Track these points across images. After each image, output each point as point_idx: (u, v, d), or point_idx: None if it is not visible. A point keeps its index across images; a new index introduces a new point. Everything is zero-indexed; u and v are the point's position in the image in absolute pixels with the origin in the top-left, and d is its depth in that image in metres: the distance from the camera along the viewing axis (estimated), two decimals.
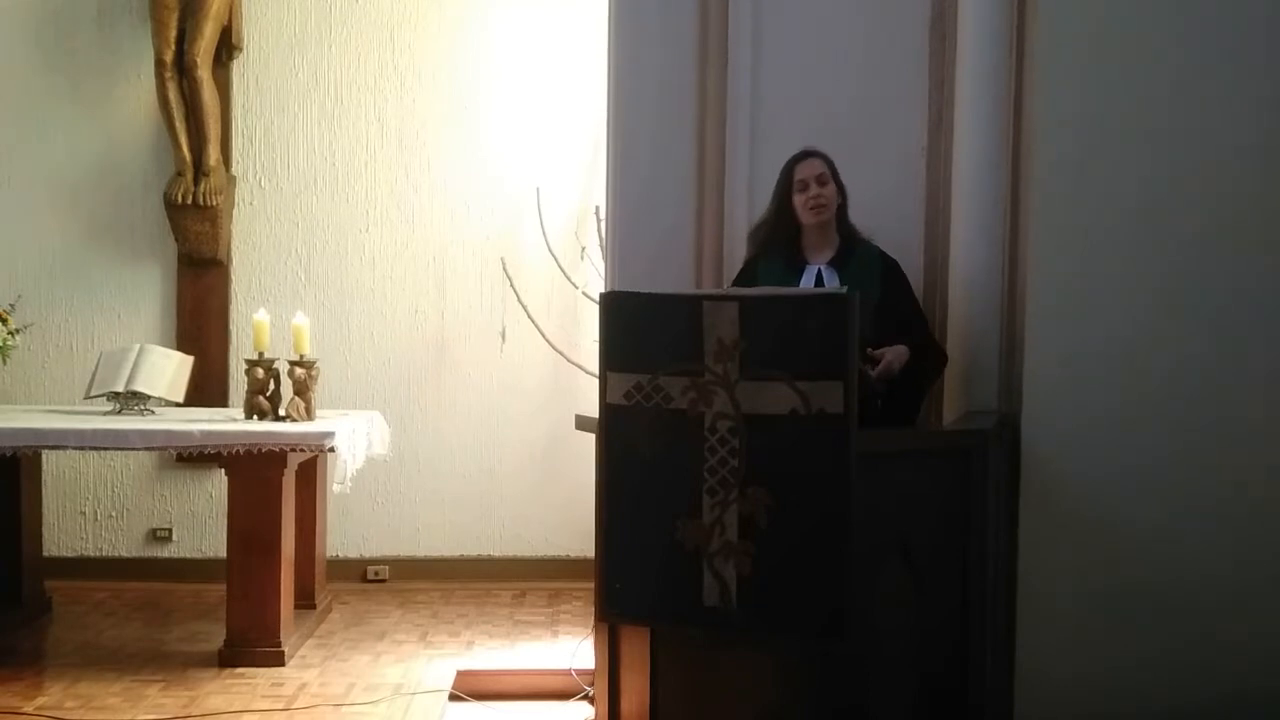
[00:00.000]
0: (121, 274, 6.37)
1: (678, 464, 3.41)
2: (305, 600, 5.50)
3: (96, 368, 5.51)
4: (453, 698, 4.70)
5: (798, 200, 3.96)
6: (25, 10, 6.32)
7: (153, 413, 5.36)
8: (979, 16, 4.12)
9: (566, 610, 5.87)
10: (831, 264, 3.98)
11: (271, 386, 5.30)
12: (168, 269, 6.37)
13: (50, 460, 5.92)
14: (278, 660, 4.91)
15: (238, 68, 6.36)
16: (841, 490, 3.29)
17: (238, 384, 5.96)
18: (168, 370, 5.45)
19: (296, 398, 5.22)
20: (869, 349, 3.68)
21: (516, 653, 5.20)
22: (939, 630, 3.69)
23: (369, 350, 6.44)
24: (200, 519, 6.38)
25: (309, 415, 5.21)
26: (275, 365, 5.30)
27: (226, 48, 6.27)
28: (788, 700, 3.57)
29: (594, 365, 3.84)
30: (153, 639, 5.32)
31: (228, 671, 4.84)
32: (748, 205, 4.39)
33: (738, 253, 4.42)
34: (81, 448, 5.13)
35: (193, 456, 5.11)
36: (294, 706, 4.46)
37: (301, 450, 5.02)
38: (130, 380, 5.32)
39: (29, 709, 4.38)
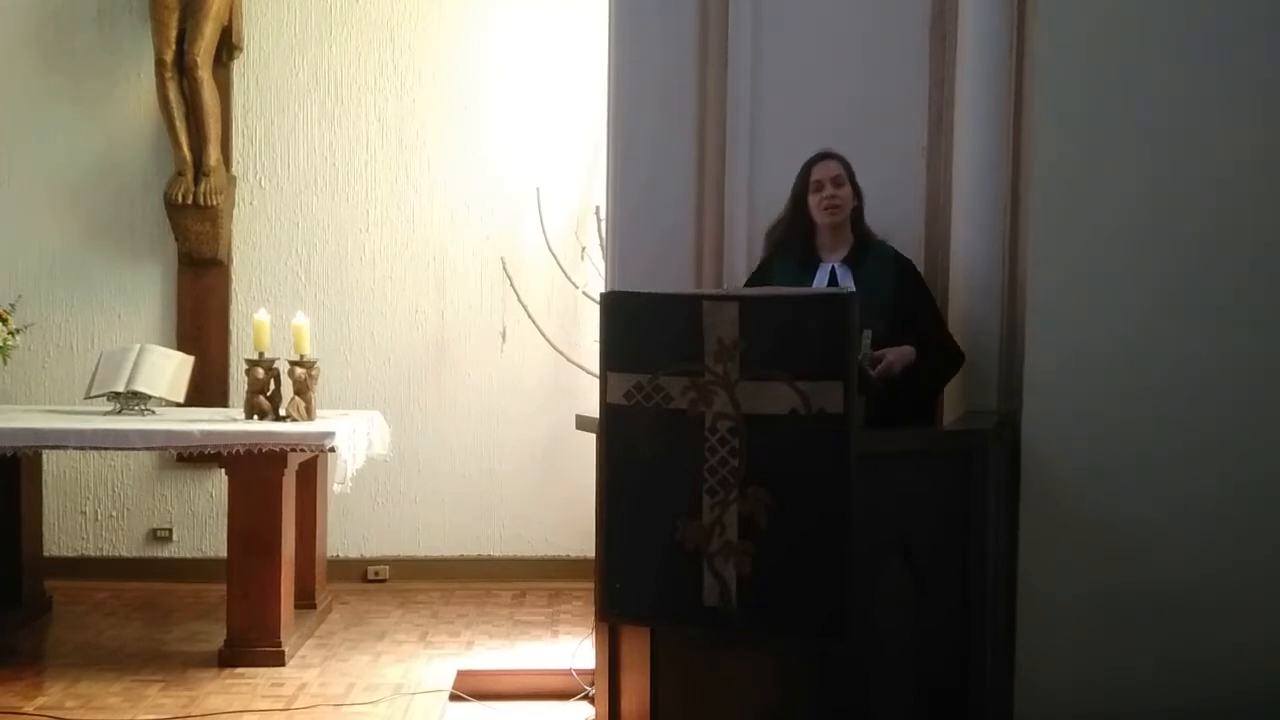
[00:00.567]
0: (121, 274, 6.37)
1: (678, 464, 3.41)
2: (305, 600, 5.50)
3: (96, 368, 5.51)
4: (453, 698, 4.70)
5: (813, 200, 3.97)
6: (25, 10, 6.31)
7: (153, 413, 5.36)
8: (979, 16, 4.12)
9: (566, 610, 5.87)
10: (845, 262, 4.00)
11: (272, 386, 5.30)
12: (168, 269, 6.37)
13: (50, 460, 5.91)
14: (278, 660, 4.91)
15: (238, 68, 6.36)
16: (841, 490, 3.29)
17: (238, 384, 5.96)
18: (168, 370, 5.45)
19: (297, 398, 5.22)
20: (871, 349, 3.69)
21: (516, 653, 5.20)
22: (939, 630, 3.69)
23: (369, 350, 6.44)
24: (200, 519, 6.38)
25: (309, 415, 5.21)
26: (275, 365, 5.30)
27: (227, 48, 6.27)
28: (788, 700, 3.57)
29: (594, 365, 3.84)
30: (153, 639, 5.32)
31: (228, 671, 4.84)
32: (748, 205, 4.39)
33: (738, 253, 4.43)
34: (82, 448, 5.13)
35: (193, 456, 5.11)
36: (294, 706, 4.46)
37: (302, 450, 5.02)
38: (130, 380, 5.32)
39: (29, 709, 4.38)
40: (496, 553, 6.47)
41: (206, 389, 6.09)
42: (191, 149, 6.16)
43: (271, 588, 4.94)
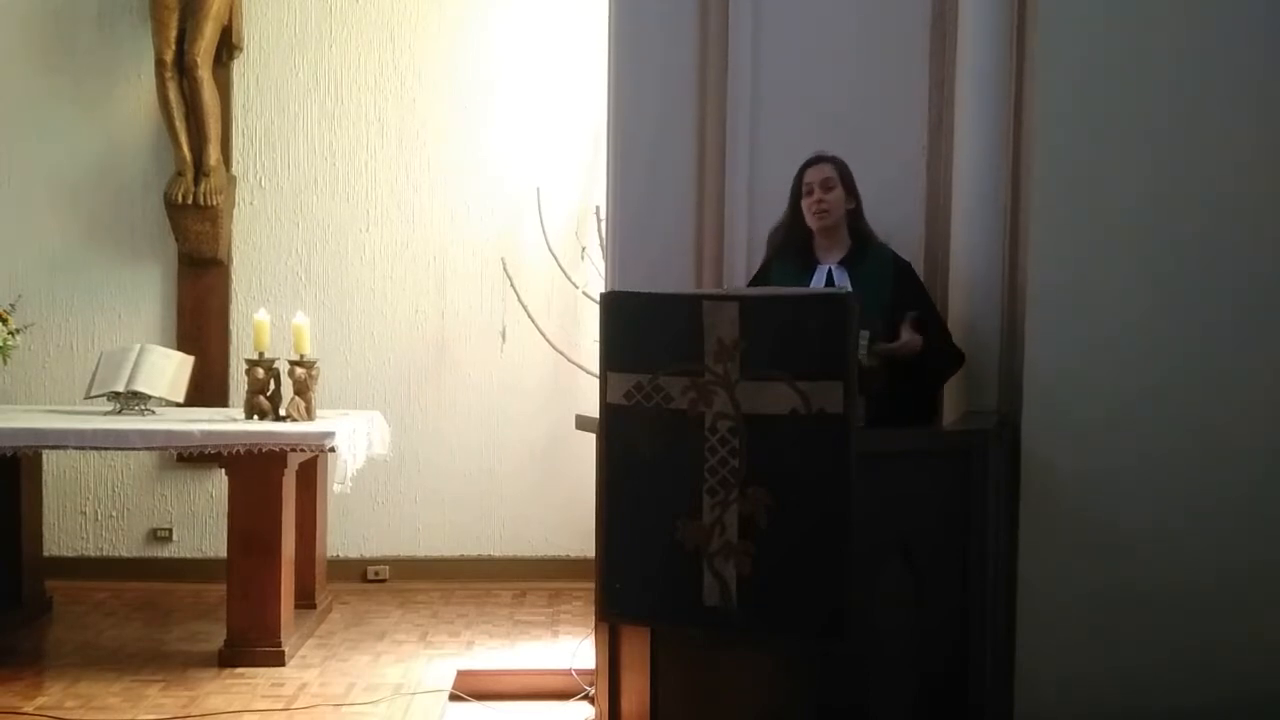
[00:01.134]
0: (121, 274, 6.36)
1: (678, 464, 3.41)
2: (305, 600, 5.50)
3: (97, 368, 5.51)
4: (453, 698, 4.70)
5: (804, 204, 4.00)
6: (25, 10, 6.31)
7: (153, 413, 5.36)
8: (979, 16, 4.12)
9: (566, 610, 5.87)
10: (843, 264, 4.01)
11: (271, 386, 5.30)
12: (168, 269, 6.37)
13: (50, 460, 5.91)
14: (278, 660, 4.91)
15: (238, 68, 6.36)
16: (841, 490, 3.29)
17: (238, 384, 5.96)
18: (168, 370, 5.45)
19: (297, 398, 5.22)
20: (879, 340, 3.69)
21: (516, 653, 5.20)
22: (939, 630, 3.70)
23: (369, 350, 6.44)
24: (200, 519, 6.38)
25: (309, 415, 5.21)
26: (275, 365, 5.30)
27: (227, 48, 6.27)
28: (788, 700, 3.57)
29: (594, 365, 3.84)
30: (153, 639, 5.32)
31: (228, 671, 4.84)
32: (748, 205, 4.39)
33: (738, 253, 4.43)
34: (82, 448, 5.13)
35: (193, 456, 5.12)
36: (294, 706, 4.46)
37: (302, 450, 5.02)
38: (130, 380, 5.32)
39: (29, 709, 4.38)
40: (496, 553, 6.47)
41: (206, 389, 6.09)
42: (191, 149, 6.16)
43: (271, 588, 4.94)
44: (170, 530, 6.38)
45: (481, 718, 4.64)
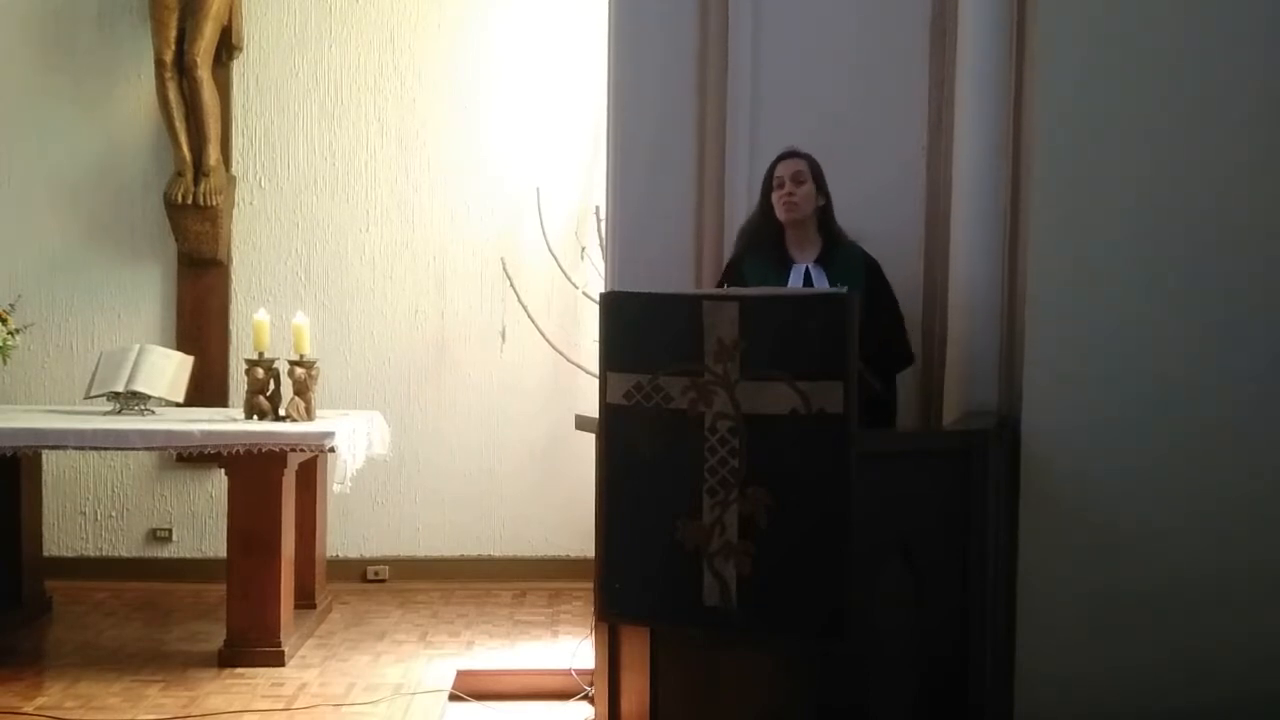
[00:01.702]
0: (121, 274, 6.37)
1: (678, 464, 3.41)
2: (305, 600, 5.50)
3: (96, 368, 5.51)
4: (453, 698, 4.70)
5: (774, 197, 4.02)
6: (25, 10, 6.31)
7: (153, 413, 5.36)
8: (978, 15, 4.12)
9: (566, 610, 5.87)
10: (818, 262, 4.03)
11: (271, 386, 5.30)
12: (168, 269, 6.37)
13: (50, 460, 5.91)
14: (278, 660, 4.91)
15: (238, 68, 6.36)
16: (841, 490, 3.29)
17: (238, 384, 5.95)
18: (168, 370, 5.45)
19: (296, 398, 5.22)
20: None
21: (516, 653, 5.20)
22: (939, 630, 3.69)
23: (369, 350, 6.44)
24: (200, 519, 6.38)
25: (309, 415, 5.21)
26: (275, 365, 5.30)
27: (226, 48, 6.27)
28: (788, 700, 3.57)
29: (594, 365, 3.84)
30: (153, 639, 5.32)
31: (228, 671, 4.84)
32: (747, 205, 4.39)
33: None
34: (81, 448, 5.13)
35: (193, 456, 5.12)
36: (294, 706, 4.46)
37: (301, 450, 5.02)
38: (130, 380, 5.32)
39: (29, 709, 4.38)
40: (496, 553, 6.47)
41: (206, 389, 6.09)
42: (191, 149, 6.16)
43: (271, 588, 4.94)
44: (170, 530, 6.38)
45: (481, 718, 4.64)
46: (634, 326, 3.51)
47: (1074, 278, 3.90)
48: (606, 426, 3.57)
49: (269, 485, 4.95)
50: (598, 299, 3.81)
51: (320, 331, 6.08)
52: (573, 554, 6.30)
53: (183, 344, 6.08)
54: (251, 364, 5.29)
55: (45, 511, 5.88)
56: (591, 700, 4.41)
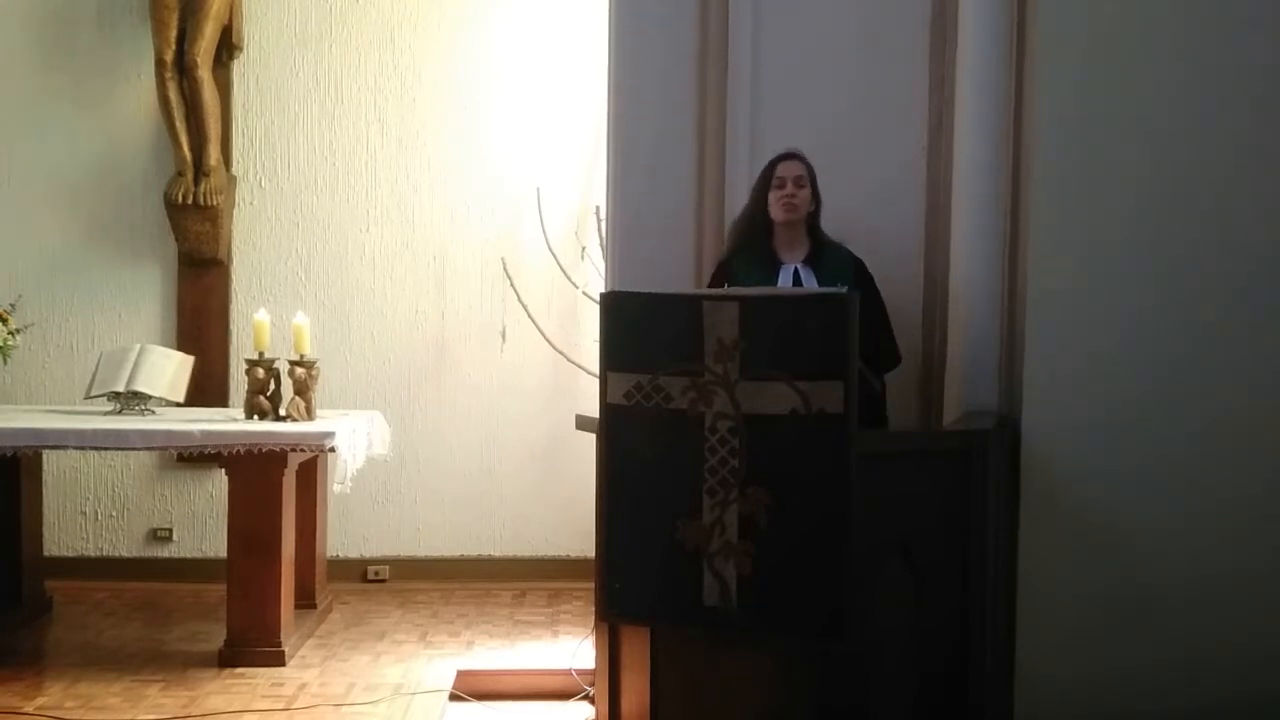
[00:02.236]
0: (121, 274, 6.36)
1: (678, 464, 3.41)
2: (305, 600, 5.50)
3: (97, 368, 5.50)
4: (453, 698, 4.70)
5: (772, 196, 4.04)
6: (25, 10, 6.31)
7: (153, 413, 5.36)
8: (979, 16, 4.12)
9: (566, 610, 5.87)
10: (806, 263, 4.06)
11: (272, 386, 5.30)
12: (168, 269, 6.37)
13: (50, 460, 5.91)
14: (278, 660, 4.91)
15: (238, 68, 6.36)
16: (841, 490, 3.30)
17: (238, 384, 5.95)
18: (168, 370, 5.45)
19: (297, 398, 5.22)
20: None
21: (516, 653, 5.20)
22: (939, 630, 3.69)
23: (369, 350, 6.44)
24: (200, 519, 6.38)
25: (309, 415, 5.21)
26: (275, 365, 5.30)
27: (227, 47, 6.27)
28: (788, 700, 3.57)
29: (594, 365, 3.84)
30: (153, 639, 5.32)
31: (228, 671, 4.84)
32: None
33: None
34: (82, 448, 5.13)
35: (193, 456, 5.12)
36: (294, 706, 4.46)
37: (302, 450, 5.02)
38: (131, 380, 5.32)
39: (29, 709, 4.38)
40: (496, 553, 6.47)
41: (206, 389, 6.09)
42: (191, 149, 6.16)
43: (271, 588, 4.94)
44: (170, 530, 6.38)
45: (481, 718, 4.64)
46: (634, 326, 3.51)
47: (1074, 278, 3.89)
48: (606, 426, 3.57)
49: (269, 485, 4.95)
50: (598, 299, 3.81)
51: (320, 331, 6.07)
52: (573, 554, 6.30)
53: (183, 344, 6.08)
54: (252, 364, 5.29)
55: (45, 511, 5.88)
56: (591, 700, 4.41)
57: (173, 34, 6.09)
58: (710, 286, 4.14)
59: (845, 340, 3.30)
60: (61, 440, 4.98)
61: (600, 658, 4.01)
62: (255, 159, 6.41)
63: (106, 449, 5.47)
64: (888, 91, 4.37)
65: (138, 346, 5.54)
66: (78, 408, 5.59)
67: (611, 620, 3.86)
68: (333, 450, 5.03)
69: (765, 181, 4.06)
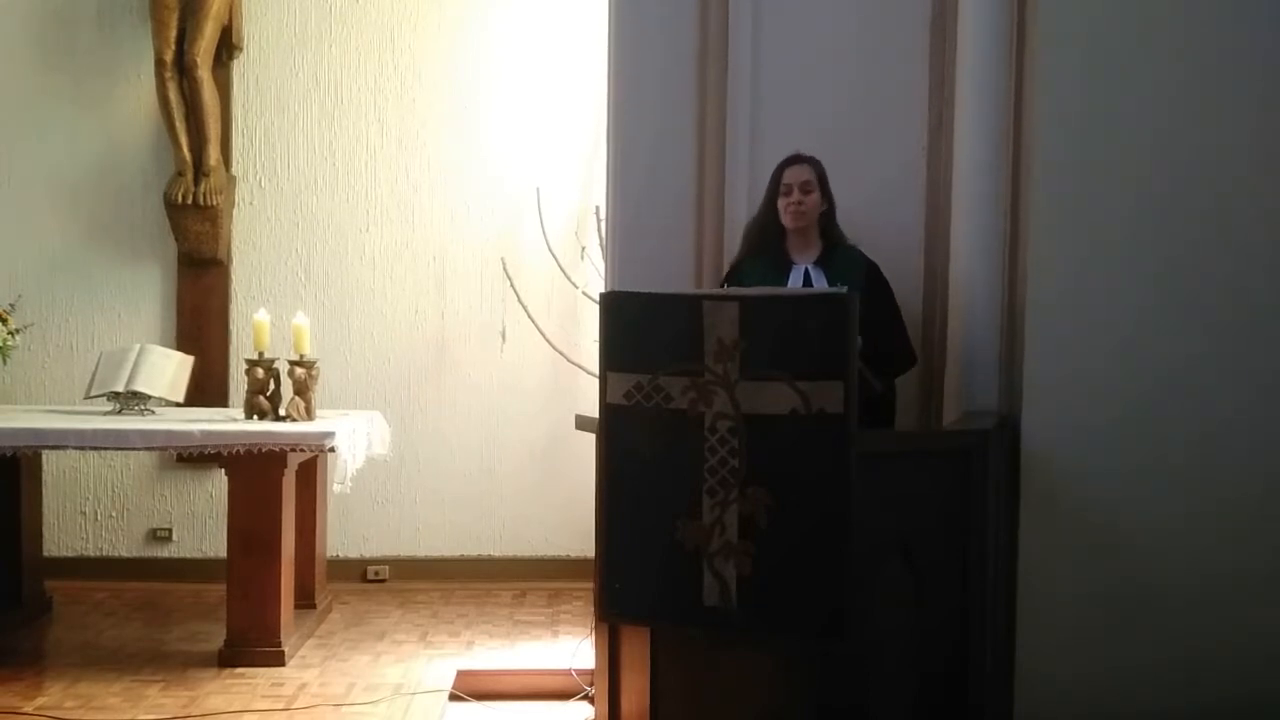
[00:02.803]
0: (121, 274, 6.37)
1: (678, 464, 3.41)
2: (305, 600, 5.50)
3: (96, 368, 5.50)
4: (453, 698, 4.70)
5: (780, 204, 4.05)
6: (25, 10, 6.31)
7: (153, 413, 5.36)
8: (979, 16, 4.12)
9: (566, 610, 5.87)
10: (817, 264, 4.06)
11: (271, 386, 5.30)
12: (168, 269, 6.37)
13: (50, 460, 5.91)
14: (278, 660, 4.91)
15: (238, 68, 6.36)
16: (841, 490, 3.29)
17: (238, 384, 5.95)
18: (168, 370, 5.45)
19: (296, 398, 5.22)
20: None
21: (516, 653, 5.20)
22: (939, 630, 3.69)
23: (369, 350, 6.44)
24: (200, 519, 6.38)
25: (309, 415, 5.21)
26: (275, 365, 5.30)
27: (227, 48, 6.27)
28: (788, 700, 3.57)
29: (594, 365, 3.84)
30: (153, 639, 5.32)
31: (228, 671, 4.84)
32: (747, 205, 4.39)
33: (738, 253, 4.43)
34: (82, 448, 5.13)
35: (193, 456, 5.12)
36: (294, 706, 4.46)
37: (301, 450, 5.02)
38: (130, 380, 5.32)
39: (29, 709, 4.38)
40: (496, 553, 6.47)
41: (206, 389, 6.09)
42: (191, 149, 6.16)
43: (271, 588, 4.94)
44: (170, 530, 6.38)
45: (481, 718, 4.64)
46: (634, 326, 3.51)
47: (1074, 277, 3.90)
48: (606, 426, 3.57)
49: (269, 485, 4.95)
50: (598, 299, 3.81)
51: (320, 331, 6.07)
52: (573, 554, 6.30)
53: (183, 344, 6.08)
54: (251, 364, 5.29)
55: (45, 511, 5.88)
56: (591, 700, 4.41)
57: (173, 34, 6.10)
58: (722, 288, 4.13)
59: (845, 340, 3.30)
60: (61, 440, 4.98)
61: (600, 658, 4.01)
62: (255, 159, 6.41)
63: (106, 449, 5.47)
64: (888, 91, 4.37)
65: (137, 346, 5.54)
66: (78, 408, 5.59)
67: (611, 620, 3.86)
68: (333, 450, 5.03)
69: (774, 188, 4.06)
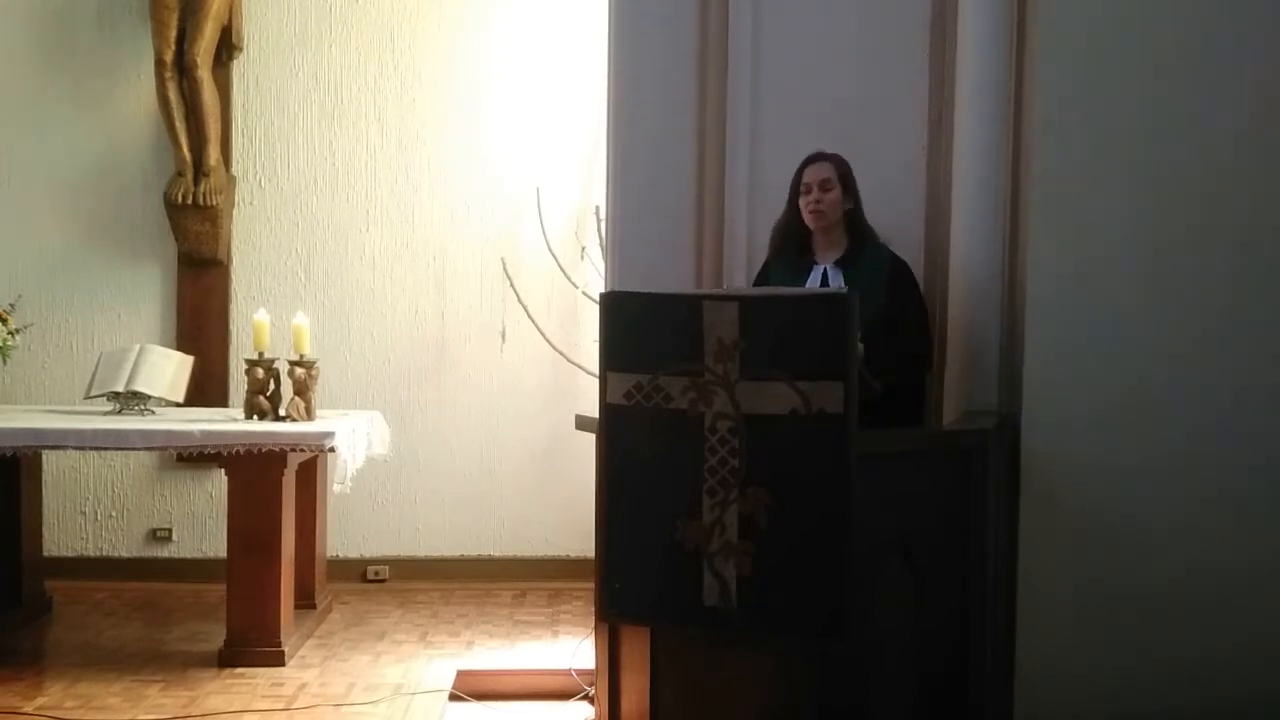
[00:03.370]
0: (121, 274, 6.37)
1: (678, 464, 3.41)
2: (305, 600, 5.50)
3: (96, 368, 5.50)
4: (453, 698, 4.70)
5: (801, 203, 4.02)
6: (25, 10, 6.31)
7: (153, 413, 5.36)
8: (979, 15, 4.12)
9: (566, 610, 5.87)
10: (839, 264, 4.03)
11: (271, 386, 5.30)
12: (168, 269, 6.37)
13: (50, 460, 5.91)
14: (278, 660, 4.91)
15: (238, 68, 6.36)
16: (841, 490, 3.29)
17: (238, 384, 5.95)
18: (168, 370, 5.45)
19: (296, 398, 5.22)
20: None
21: (516, 653, 5.20)
22: (939, 630, 3.70)
23: (369, 350, 6.44)
24: (200, 519, 6.38)
25: (309, 415, 5.21)
26: (275, 365, 5.30)
27: (227, 48, 6.27)
28: (788, 700, 3.57)
29: (594, 365, 3.84)
30: (153, 639, 5.32)
31: (228, 671, 4.84)
32: (747, 205, 4.40)
33: (738, 253, 4.43)
34: (81, 448, 5.13)
35: (193, 456, 5.12)
36: (294, 706, 4.46)
37: (301, 450, 5.02)
38: (130, 380, 5.31)
39: (29, 709, 4.38)
40: (496, 553, 6.47)
41: (206, 389, 6.09)
42: (191, 149, 6.16)
43: (271, 588, 4.94)
44: (170, 530, 6.38)
45: (481, 718, 4.64)
46: (634, 326, 3.51)
47: (1074, 277, 3.90)
48: (606, 426, 3.57)
49: (269, 485, 4.95)
50: (598, 299, 3.81)
51: (320, 331, 6.08)
52: (573, 554, 6.30)
53: (183, 344, 6.08)
54: (251, 364, 5.29)
55: (45, 511, 5.88)
56: (591, 700, 4.41)
57: (173, 34, 6.09)
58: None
59: (845, 340, 3.30)
60: (61, 440, 4.98)
61: (600, 658, 4.01)
62: (255, 159, 6.41)
63: (106, 449, 5.48)
64: (888, 91, 4.37)
65: (137, 346, 5.54)
66: (78, 408, 5.59)
67: (611, 620, 3.86)
68: (332, 450, 5.03)
69: (795, 187, 4.04)
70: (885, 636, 3.57)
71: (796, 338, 3.33)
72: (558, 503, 6.35)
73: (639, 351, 3.48)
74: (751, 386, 3.33)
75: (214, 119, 6.17)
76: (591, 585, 4.07)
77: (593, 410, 3.76)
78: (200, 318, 6.34)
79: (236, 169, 6.38)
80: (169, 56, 6.10)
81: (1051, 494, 3.88)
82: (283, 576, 4.97)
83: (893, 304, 3.91)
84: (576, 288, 6.31)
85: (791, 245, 4.08)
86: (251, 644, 4.91)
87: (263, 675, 4.79)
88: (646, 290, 3.68)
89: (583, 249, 6.33)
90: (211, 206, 6.16)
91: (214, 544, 6.17)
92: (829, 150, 4.05)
